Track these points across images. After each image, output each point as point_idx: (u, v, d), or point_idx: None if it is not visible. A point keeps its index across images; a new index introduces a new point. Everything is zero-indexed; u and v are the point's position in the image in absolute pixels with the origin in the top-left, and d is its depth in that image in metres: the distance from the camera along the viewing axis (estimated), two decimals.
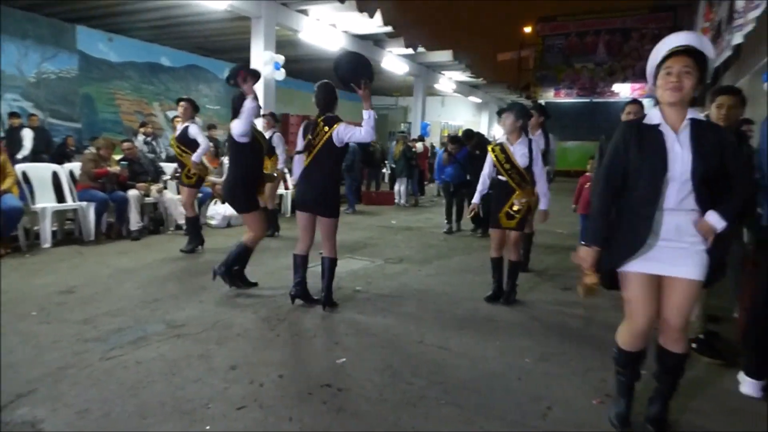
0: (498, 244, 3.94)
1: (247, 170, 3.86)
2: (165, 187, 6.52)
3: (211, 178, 6.31)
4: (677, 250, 1.92)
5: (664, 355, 2.06)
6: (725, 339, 3.09)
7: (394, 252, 5.83)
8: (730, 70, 9.70)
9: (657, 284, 1.98)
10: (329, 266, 3.60)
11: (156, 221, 6.60)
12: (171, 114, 12.02)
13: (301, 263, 3.64)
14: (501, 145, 3.84)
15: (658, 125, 1.94)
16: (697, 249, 1.91)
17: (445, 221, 7.39)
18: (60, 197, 5.72)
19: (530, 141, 3.80)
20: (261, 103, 8.85)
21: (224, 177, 4.44)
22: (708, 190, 1.88)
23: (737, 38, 6.43)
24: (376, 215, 9.07)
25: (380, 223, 8.10)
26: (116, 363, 2.62)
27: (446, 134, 15.68)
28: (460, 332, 3.29)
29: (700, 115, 1.95)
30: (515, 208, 3.75)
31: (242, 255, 3.93)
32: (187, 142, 5.21)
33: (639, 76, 19.78)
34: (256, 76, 3.80)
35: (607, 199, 2.03)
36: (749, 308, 2.64)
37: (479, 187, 4.00)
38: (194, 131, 5.21)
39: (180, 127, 5.35)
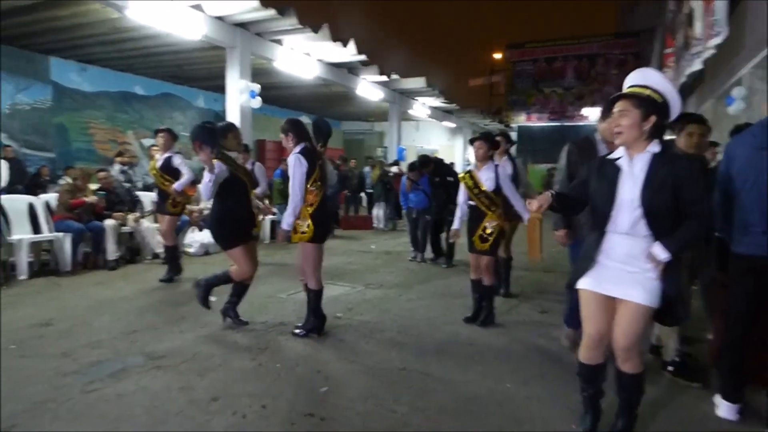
0: (475, 267, 4.06)
1: (230, 207, 3.73)
2: (143, 216, 6.47)
3: (189, 206, 6.30)
4: (629, 274, 2.03)
5: (617, 373, 2.18)
6: (700, 361, 3.17)
7: (374, 277, 5.88)
8: (695, 94, 10.26)
9: (610, 304, 2.10)
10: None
11: (133, 251, 6.52)
12: (146, 142, 11.95)
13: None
14: (470, 172, 4.04)
15: (617, 159, 2.11)
16: (647, 275, 2.00)
17: (411, 249, 7.17)
18: (36, 228, 5.64)
19: (496, 166, 4.00)
20: None
21: (209, 212, 4.47)
22: (662, 220, 1.99)
23: (696, 65, 6.84)
24: (355, 240, 9.13)
25: (360, 248, 8.15)
26: (97, 396, 2.60)
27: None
28: (441, 357, 3.35)
29: (656, 149, 2.02)
30: (488, 231, 3.91)
31: (222, 281, 3.84)
32: (171, 172, 5.24)
33: (606, 100, 20.46)
34: (212, 140, 3.53)
35: (567, 192, 2.29)
36: (722, 331, 2.70)
37: (458, 213, 4.14)
38: (178, 161, 5.26)
39: (162, 157, 5.37)
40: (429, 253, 6.97)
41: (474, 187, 3.95)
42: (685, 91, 10.15)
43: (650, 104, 2.01)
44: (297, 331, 3.69)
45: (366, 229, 10.56)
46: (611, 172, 2.09)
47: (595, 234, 2.12)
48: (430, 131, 19.35)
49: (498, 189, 3.93)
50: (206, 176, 3.51)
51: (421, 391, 2.80)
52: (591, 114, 21.02)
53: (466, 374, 3.08)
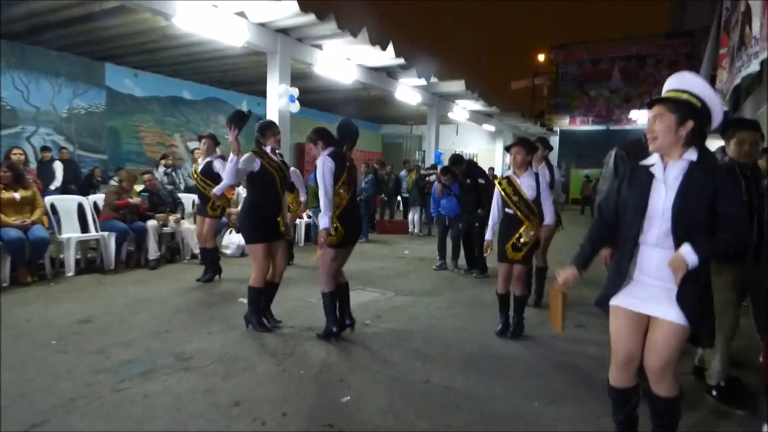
0: (504, 278, 3.92)
1: (257, 202, 3.84)
2: (182, 218, 6.69)
3: (228, 209, 6.47)
4: (661, 289, 1.89)
5: (649, 397, 2.04)
6: (749, 386, 2.95)
7: (405, 283, 5.83)
8: (753, 96, 9.61)
9: (642, 322, 1.97)
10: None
11: (173, 250, 6.76)
12: (191, 145, 12.41)
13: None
14: (508, 178, 3.88)
15: (651, 165, 1.98)
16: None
17: (437, 256, 6.89)
18: (84, 227, 5.96)
19: (536, 174, 3.85)
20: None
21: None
22: (692, 233, 1.82)
23: (754, 66, 6.37)
24: (389, 244, 9.10)
25: (393, 253, 8.11)
26: (124, 396, 2.68)
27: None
28: (467, 371, 3.26)
29: (693, 157, 1.88)
30: (522, 240, 3.77)
31: (253, 297, 3.86)
32: (211, 176, 5.39)
33: None
34: (239, 122, 3.87)
35: (596, 227, 2.15)
36: None
37: (490, 222, 4.01)
38: (218, 166, 5.40)
39: (203, 161, 5.53)
40: (462, 261, 6.77)
41: (513, 194, 3.80)
42: (741, 93, 9.52)
43: (687, 108, 1.87)
44: (318, 333, 3.76)
45: (401, 234, 10.51)
46: (644, 180, 1.96)
47: (627, 246, 1.97)
48: (470, 135, 19.10)
49: (538, 197, 3.80)
50: (231, 158, 3.74)
51: (444, 407, 2.72)
52: (639, 117, 20.17)
53: (492, 390, 2.98)
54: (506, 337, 3.91)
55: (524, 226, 3.77)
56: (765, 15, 5.63)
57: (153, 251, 6.10)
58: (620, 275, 2.00)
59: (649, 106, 1.98)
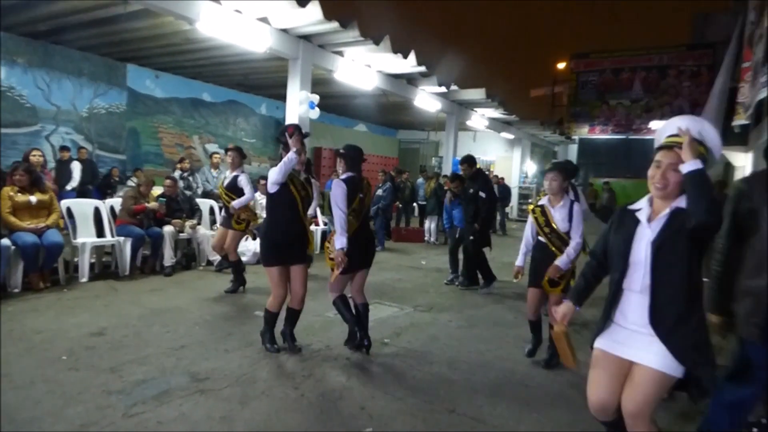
0: (535, 305, 3.74)
1: (274, 221, 3.63)
2: (199, 224, 6.62)
3: (252, 223, 6.36)
4: (644, 335, 1.88)
5: None
6: None
7: (423, 298, 5.68)
8: None
9: (623, 367, 1.95)
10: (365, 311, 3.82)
11: (188, 257, 6.69)
12: (209, 147, 12.41)
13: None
14: (542, 207, 3.69)
15: (637, 210, 1.98)
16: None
17: (450, 270, 6.59)
18: (100, 232, 5.88)
19: (572, 203, 3.62)
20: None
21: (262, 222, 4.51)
22: (670, 284, 1.82)
23: None
24: (405, 254, 8.95)
25: (410, 263, 7.96)
26: (137, 422, 2.57)
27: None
28: (493, 400, 3.10)
29: (682, 204, 1.83)
30: (558, 274, 3.58)
31: (267, 318, 3.71)
32: (236, 191, 5.32)
33: (677, 113, 19.07)
34: (302, 133, 3.70)
35: (590, 266, 2.18)
36: None
37: (522, 248, 3.85)
38: (244, 181, 5.34)
39: (230, 175, 5.41)
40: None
41: (545, 225, 3.63)
42: (764, 107, 9.20)
43: (701, 162, 1.80)
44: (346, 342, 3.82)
45: (417, 242, 10.36)
46: (629, 225, 1.97)
47: (612, 290, 2.00)
48: (487, 142, 18.88)
49: (570, 229, 3.58)
50: (291, 157, 3.51)
51: None
52: (660, 127, 19.75)
53: (520, 423, 2.83)
54: (534, 360, 3.74)
55: (557, 258, 3.58)
56: None
57: (169, 258, 6.02)
58: (605, 318, 2.02)
59: (658, 150, 1.92)
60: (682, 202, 1.86)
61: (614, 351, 1.96)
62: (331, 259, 3.56)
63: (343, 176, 3.60)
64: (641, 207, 1.98)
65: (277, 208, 3.63)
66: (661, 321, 1.83)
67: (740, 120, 8.06)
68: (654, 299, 1.85)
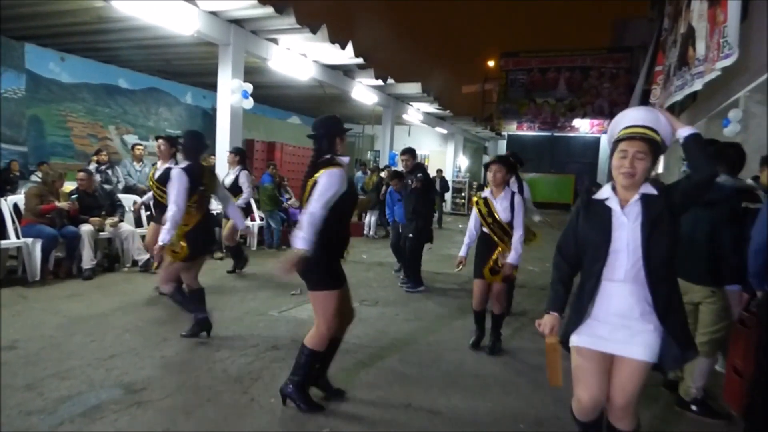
0: (480, 295, 3.82)
1: (333, 232, 2.88)
2: (121, 221, 6.06)
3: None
4: (625, 327, 1.88)
5: (609, 428, 2.02)
6: (713, 394, 3.02)
7: (368, 293, 5.61)
8: (686, 112, 10.25)
9: (606, 361, 1.94)
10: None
11: (111, 258, 6.11)
12: (128, 138, 11.46)
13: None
14: (485, 199, 3.76)
15: (605, 200, 1.96)
16: (646, 327, 1.87)
17: (397, 261, 6.57)
18: (2, 233, 5.17)
19: (513, 194, 3.74)
20: (228, 131, 8.40)
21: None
22: (661, 266, 1.85)
23: (697, 85, 6.74)
24: None
25: (350, 258, 7.84)
26: None
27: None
28: (447, 391, 3.11)
29: (652, 190, 1.90)
30: (500, 263, 3.69)
31: (307, 361, 2.77)
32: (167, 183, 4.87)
33: (597, 112, 20.79)
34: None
35: (561, 267, 2.07)
36: (750, 384, 2.52)
37: (466, 240, 3.89)
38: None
39: (161, 167, 4.88)
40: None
41: (488, 215, 3.71)
42: (676, 108, 10.15)
43: (658, 149, 1.92)
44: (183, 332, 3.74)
45: (356, 236, 10.28)
46: (602, 215, 1.94)
47: (590, 282, 1.93)
48: (422, 136, 19.16)
49: (512, 220, 3.68)
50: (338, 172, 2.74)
51: None
52: (582, 125, 21.21)
53: (476, 413, 2.86)
54: (481, 351, 3.82)
55: (499, 249, 3.70)
56: (710, 37, 5.95)
57: (88, 259, 5.45)
58: (579, 313, 1.96)
59: (619, 141, 1.93)
60: (647, 189, 1.89)
61: (597, 347, 1.92)
62: (176, 252, 3.57)
63: (183, 164, 3.64)
64: (607, 196, 1.96)
65: (338, 216, 2.84)
66: (659, 303, 1.85)
67: None
68: (651, 283, 1.84)
